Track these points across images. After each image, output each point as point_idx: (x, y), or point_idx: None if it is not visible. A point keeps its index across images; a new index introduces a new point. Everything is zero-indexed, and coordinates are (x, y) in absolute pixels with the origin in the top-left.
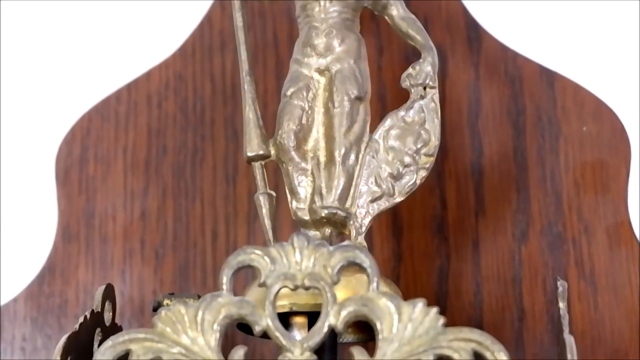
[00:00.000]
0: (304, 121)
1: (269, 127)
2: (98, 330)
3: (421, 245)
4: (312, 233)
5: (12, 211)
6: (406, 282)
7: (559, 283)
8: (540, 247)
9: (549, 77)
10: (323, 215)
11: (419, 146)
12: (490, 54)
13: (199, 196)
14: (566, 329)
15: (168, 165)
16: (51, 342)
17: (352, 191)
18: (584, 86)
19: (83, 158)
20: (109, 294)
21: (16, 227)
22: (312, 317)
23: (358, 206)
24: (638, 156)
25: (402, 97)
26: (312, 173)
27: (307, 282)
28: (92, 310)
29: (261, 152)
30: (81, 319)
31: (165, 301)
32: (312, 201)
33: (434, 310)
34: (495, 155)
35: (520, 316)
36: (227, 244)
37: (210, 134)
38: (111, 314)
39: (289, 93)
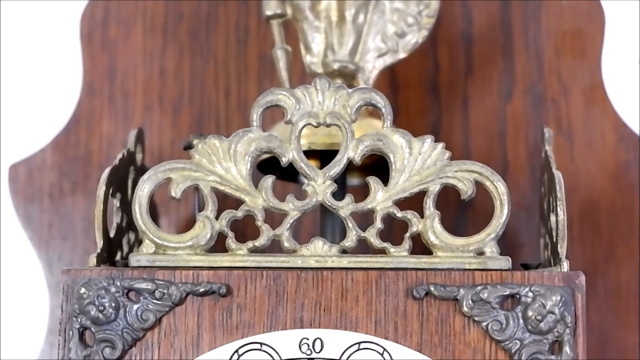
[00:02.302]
0: None
1: None
2: (131, 168)
3: (416, 103)
4: None
5: (40, 71)
6: None
7: (545, 130)
8: (523, 105)
9: None
10: (335, 67)
11: (421, 8)
12: None
13: (213, 57)
14: (554, 166)
15: (184, 29)
16: (77, 188)
17: (360, 47)
18: None
19: (105, 21)
20: (140, 137)
21: (44, 84)
22: (324, 161)
23: (366, 61)
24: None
25: None
26: (325, 31)
27: (328, 120)
28: (128, 150)
29: (279, 11)
30: (120, 155)
31: (195, 141)
32: (325, 55)
33: (441, 145)
34: (484, 24)
35: (505, 168)
36: (238, 100)
37: (224, 4)
38: (141, 155)
39: None
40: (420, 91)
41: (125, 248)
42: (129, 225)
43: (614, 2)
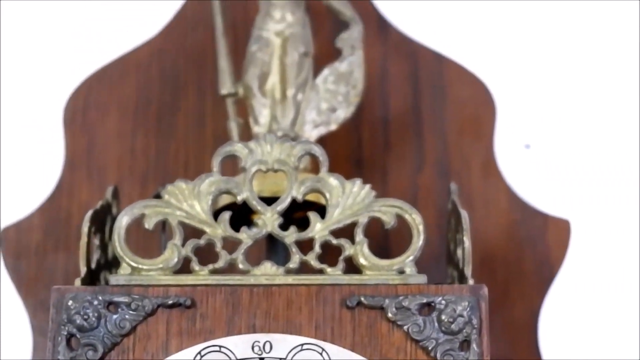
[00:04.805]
0: (264, 69)
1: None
2: (108, 217)
3: (343, 173)
4: None
5: (29, 150)
6: None
7: (451, 185)
8: (433, 176)
9: (438, 59)
10: (279, 135)
11: (349, 88)
12: (394, 40)
13: (174, 137)
14: (460, 207)
15: (151, 114)
16: (59, 246)
17: (299, 119)
18: (463, 65)
19: (85, 107)
20: (115, 193)
21: (32, 161)
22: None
23: (304, 131)
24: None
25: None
26: (270, 106)
27: (276, 166)
28: (106, 201)
29: (232, 91)
30: (101, 202)
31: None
32: (270, 126)
33: (368, 186)
34: (399, 108)
35: None
36: (195, 173)
37: (184, 94)
38: (116, 209)
39: (253, 49)
40: (347, 164)
41: (103, 283)
42: (106, 263)
43: (503, 94)
